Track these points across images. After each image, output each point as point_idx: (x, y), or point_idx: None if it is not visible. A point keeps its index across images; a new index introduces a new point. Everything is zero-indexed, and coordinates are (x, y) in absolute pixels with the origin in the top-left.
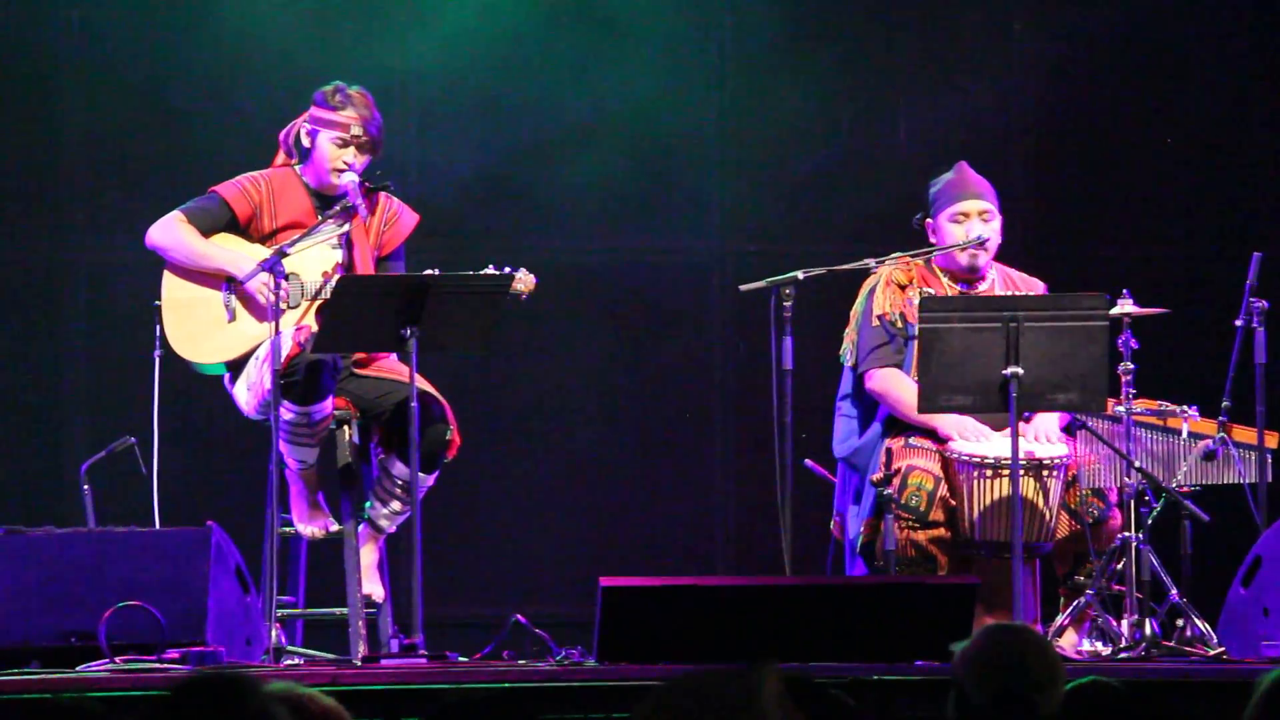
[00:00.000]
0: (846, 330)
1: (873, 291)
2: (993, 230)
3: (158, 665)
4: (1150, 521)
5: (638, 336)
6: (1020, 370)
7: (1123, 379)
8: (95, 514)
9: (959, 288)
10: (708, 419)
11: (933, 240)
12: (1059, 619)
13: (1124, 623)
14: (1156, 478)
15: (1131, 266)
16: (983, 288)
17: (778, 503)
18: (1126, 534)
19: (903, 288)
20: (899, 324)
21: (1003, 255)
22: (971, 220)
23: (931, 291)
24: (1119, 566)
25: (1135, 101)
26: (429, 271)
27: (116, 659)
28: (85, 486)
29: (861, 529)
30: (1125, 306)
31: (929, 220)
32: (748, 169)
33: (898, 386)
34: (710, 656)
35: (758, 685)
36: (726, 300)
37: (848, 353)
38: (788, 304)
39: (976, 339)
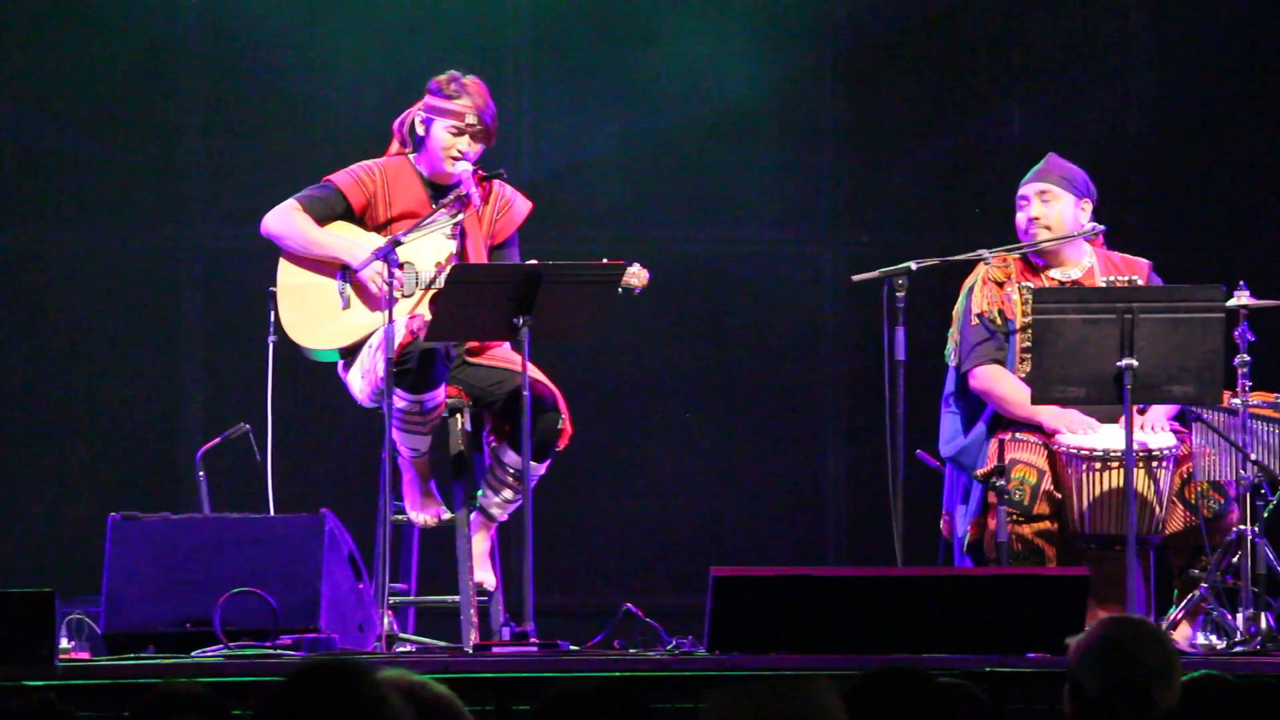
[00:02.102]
0: (950, 331)
1: (971, 290)
2: (1052, 210)
3: (271, 651)
4: (1266, 514)
5: (749, 326)
6: (1135, 362)
7: (1239, 371)
8: (210, 500)
9: (1053, 276)
10: (819, 409)
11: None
12: (1173, 612)
13: (1239, 617)
14: (1273, 470)
15: (1248, 258)
16: (1077, 274)
17: (889, 493)
18: (1242, 527)
19: (1000, 285)
20: (998, 320)
21: (1118, 245)
22: (1031, 203)
23: (1029, 286)
24: (1234, 560)
25: (1252, 91)
26: (532, 261)
27: (231, 644)
28: (200, 473)
29: (969, 528)
30: (1242, 298)
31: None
32: (861, 158)
33: (1000, 384)
34: (821, 646)
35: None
36: (838, 290)
37: (951, 353)
38: (900, 294)
39: (1091, 330)
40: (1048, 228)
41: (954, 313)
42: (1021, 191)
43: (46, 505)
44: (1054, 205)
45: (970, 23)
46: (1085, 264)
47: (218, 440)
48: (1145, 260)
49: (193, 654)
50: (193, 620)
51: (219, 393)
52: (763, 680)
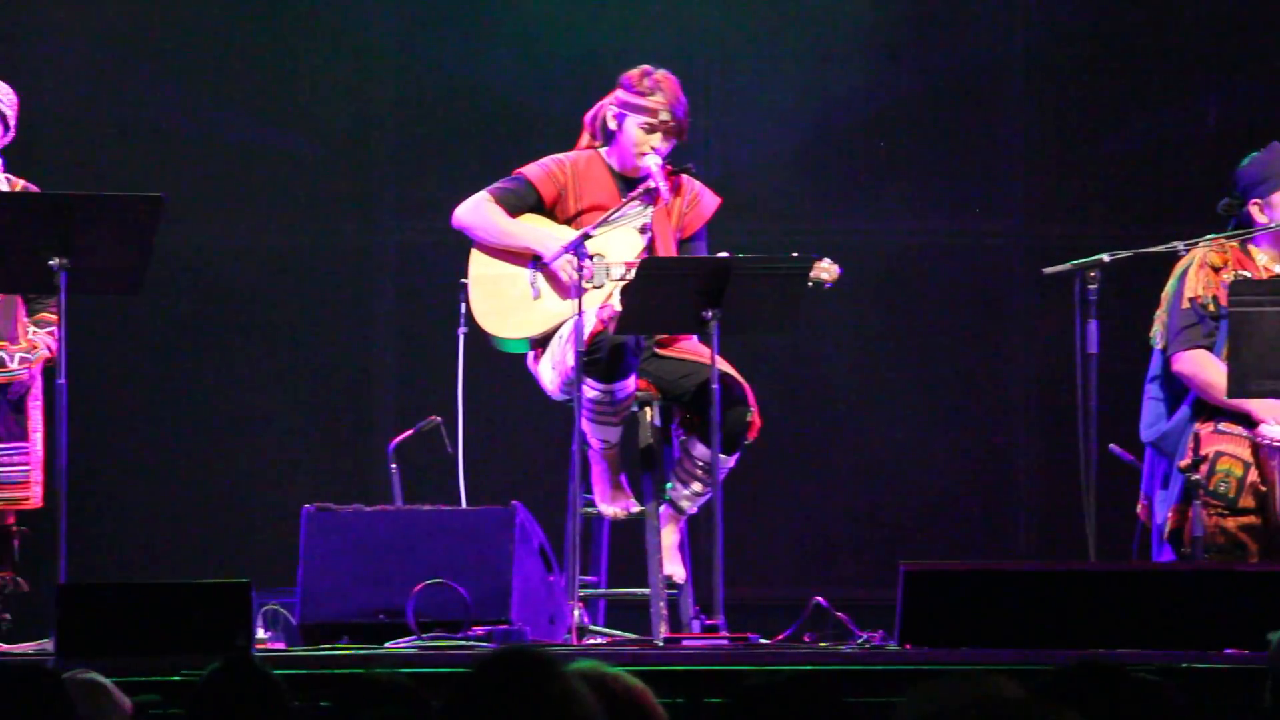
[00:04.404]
0: (1157, 312)
1: (1185, 273)
2: None
3: (463, 643)
4: None
5: (938, 319)
6: None
7: None
8: (403, 492)
9: (1273, 269)
10: (1009, 402)
11: (1262, 219)
12: None
13: None
14: None
15: None
16: None
17: (1082, 487)
18: None
19: (1216, 270)
20: (1211, 307)
21: None
22: None
23: (1247, 274)
24: None
25: None
26: (722, 254)
27: (423, 636)
28: (393, 465)
29: (1169, 515)
30: None
31: (1256, 200)
32: (1051, 149)
33: (1205, 368)
34: (1013, 641)
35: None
36: (1029, 283)
37: (1157, 335)
38: (1092, 287)
39: None
40: None
41: (1164, 294)
42: None
43: (242, 497)
44: None
45: (1163, 12)
46: None
47: (410, 433)
48: None
49: (386, 645)
50: (386, 611)
51: (411, 385)
52: (953, 674)
